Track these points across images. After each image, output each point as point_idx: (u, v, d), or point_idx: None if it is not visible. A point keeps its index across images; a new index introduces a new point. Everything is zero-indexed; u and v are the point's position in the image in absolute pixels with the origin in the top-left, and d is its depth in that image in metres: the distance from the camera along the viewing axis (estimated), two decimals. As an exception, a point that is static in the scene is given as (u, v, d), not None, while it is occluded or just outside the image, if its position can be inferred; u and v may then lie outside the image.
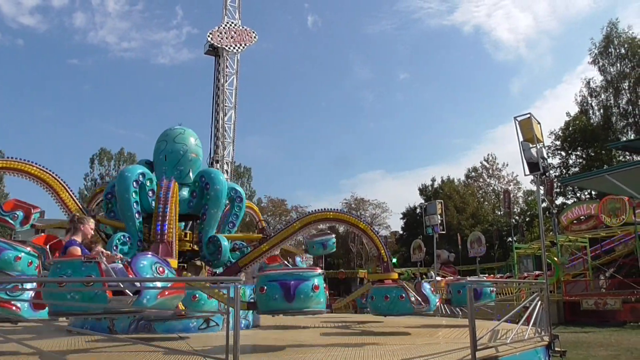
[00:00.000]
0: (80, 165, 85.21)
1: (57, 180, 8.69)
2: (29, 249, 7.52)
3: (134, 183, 8.52)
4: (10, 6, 72.36)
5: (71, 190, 8.92)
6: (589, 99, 42.14)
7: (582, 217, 25.90)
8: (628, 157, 32.63)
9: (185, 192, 9.46)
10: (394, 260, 34.50)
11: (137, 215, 8.63)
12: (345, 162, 71.97)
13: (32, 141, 69.92)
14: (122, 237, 8.31)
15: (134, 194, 8.52)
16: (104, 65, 77.08)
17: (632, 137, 36.89)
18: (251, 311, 9.08)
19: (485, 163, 53.42)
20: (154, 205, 8.86)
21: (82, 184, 49.14)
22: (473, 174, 54.26)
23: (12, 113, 69.30)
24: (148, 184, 8.81)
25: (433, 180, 54.88)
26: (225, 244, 8.92)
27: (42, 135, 73.04)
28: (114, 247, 8.17)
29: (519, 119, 8.86)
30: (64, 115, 75.30)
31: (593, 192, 34.16)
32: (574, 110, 43.62)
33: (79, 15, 79.77)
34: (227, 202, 9.83)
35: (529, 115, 8.81)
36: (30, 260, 7.27)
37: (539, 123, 8.98)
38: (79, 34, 77.68)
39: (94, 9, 79.12)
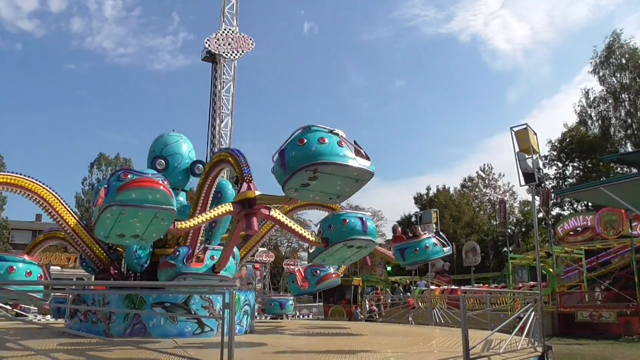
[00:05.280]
0: (77, 169, 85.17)
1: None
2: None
3: None
4: (8, 10, 72.35)
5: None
6: (588, 109, 42.26)
7: (578, 229, 25.94)
8: (626, 169, 32.81)
9: (182, 198, 9.54)
10: (389, 268, 34.52)
11: None
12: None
13: (29, 145, 69.93)
14: None
15: None
16: (100, 70, 77.20)
17: (630, 149, 37.08)
18: (246, 317, 9.11)
19: (481, 172, 53.61)
20: None
21: (79, 189, 49.13)
22: (469, 183, 54.42)
23: (9, 117, 69.21)
24: None
25: (428, 188, 54.98)
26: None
27: (38, 139, 73.02)
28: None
29: (515, 129, 8.90)
30: (61, 120, 75.27)
31: (590, 204, 34.31)
32: (571, 120, 43.82)
33: (76, 21, 79.98)
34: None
35: (525, 126, 8.86)
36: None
37: (535, 134, 9.02)
38: (76, 39, 77.88)
39: (91, 15, 79.37)
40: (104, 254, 9.27)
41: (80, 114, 75.59)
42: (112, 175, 6.55)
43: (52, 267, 19.59)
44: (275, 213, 7.34)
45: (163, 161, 9.58)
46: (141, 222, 6.36)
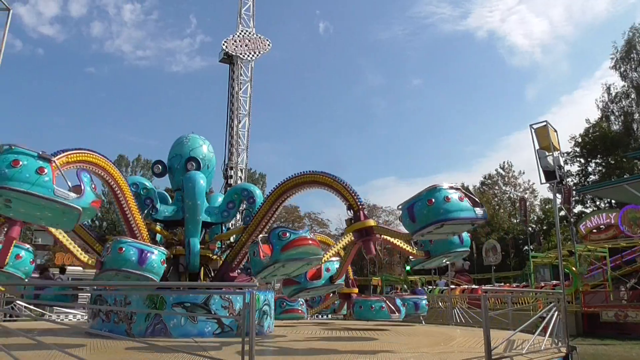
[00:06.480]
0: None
1: None
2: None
3: None
4: (31, 16, 74.59)
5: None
6: (610, 105, 41.30)
7: (601, 226, 25.33)
8: (650, 166, 31.93)
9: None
10: (407, 267, 34.18)
11: None
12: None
13: (50, 147, 70.85)
14: None
15: None
16: (119, 73, 78.73)
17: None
18: (266, 317, 9.17)
19: (500, 170, 52.90)
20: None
21: (99, 191, 50.14)
22: (488, 181, 53.72)
23: (31, 120, 71.09)
24: (143, 192, 9.19)
25: (447, 187, 54.42)
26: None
27: (59, 141, 74.56)
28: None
29: (535, 126, 8.77)
30: (81, 122, 76.91)
31: (613, 201, 33.45)
32: (592, 116, 42.92)
33: (96, 25, 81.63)
34: (243, 202, 10.09)
35: (545, 123, 8.72)
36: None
37: (555, 131, 8.87)
38: (96, 43, 79.50)
39: (110, 19, 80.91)
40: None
41: (99, 116, 77.26)
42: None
43: (73, 268, 19.95)
44: None
45: (160, 165, 9.92)
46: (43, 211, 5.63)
